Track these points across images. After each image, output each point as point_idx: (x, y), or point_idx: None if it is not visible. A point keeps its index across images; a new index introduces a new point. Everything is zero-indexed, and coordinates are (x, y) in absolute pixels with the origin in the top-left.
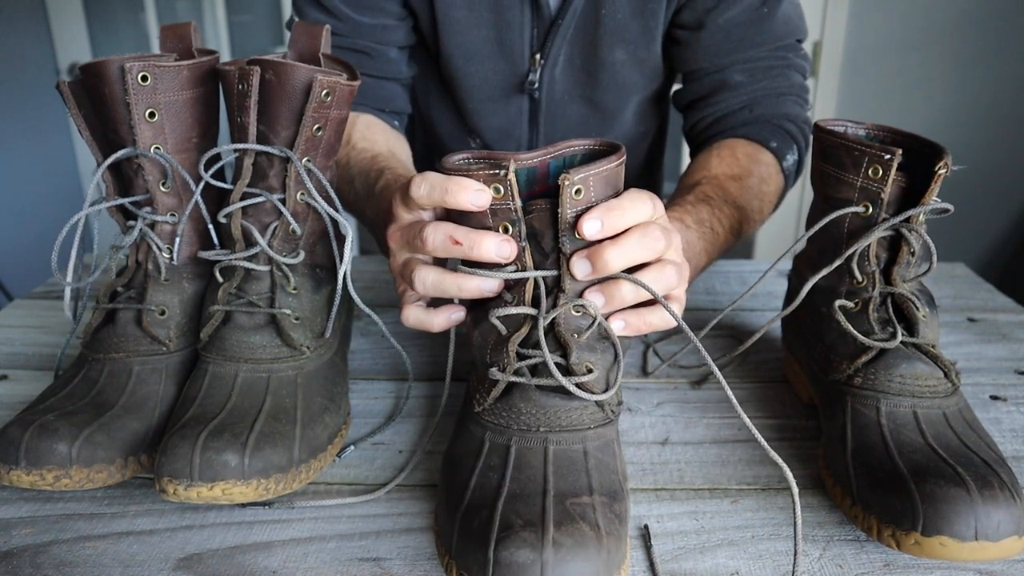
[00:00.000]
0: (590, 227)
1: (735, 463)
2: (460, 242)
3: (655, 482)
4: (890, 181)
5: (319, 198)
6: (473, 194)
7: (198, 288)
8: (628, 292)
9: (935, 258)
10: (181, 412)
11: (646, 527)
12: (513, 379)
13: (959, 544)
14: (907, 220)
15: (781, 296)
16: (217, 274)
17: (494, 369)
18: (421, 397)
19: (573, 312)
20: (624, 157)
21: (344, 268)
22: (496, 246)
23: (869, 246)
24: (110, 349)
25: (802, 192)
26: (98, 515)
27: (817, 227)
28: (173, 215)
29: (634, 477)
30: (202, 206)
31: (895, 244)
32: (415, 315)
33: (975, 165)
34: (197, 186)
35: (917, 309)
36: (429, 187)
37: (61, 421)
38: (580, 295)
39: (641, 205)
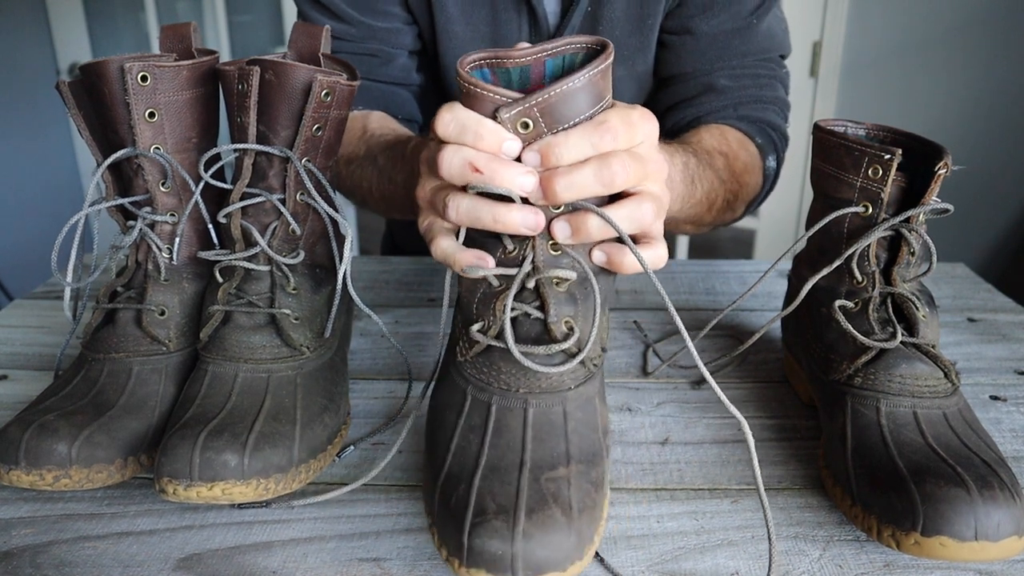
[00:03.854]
0: (529, 158)
1: (735, 463)
2: (480, 170)
3: (655, 482)
4: (890, 181)
5: (319, 198)
6: (506, 144)
7: (198, 288)
8: (594, 226)
9: (935, 258)
10: (181, 412)
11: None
12: (491, 343)
13: (959, 544)
14: (907, 220)
15: (781, 296)
16: (217, 274)
17: (475, 330)
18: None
19: (552, 251)
20: (597, 67)
21: (344, 268)
22: (520, 177)
23: (869, 246)
24: (110, 349)
25: (802, 192)
26: (98, 515)
27: (817, 227)
28: (173, 215)
29: (634, 477)
30: (202, 206)
31: (895, 244)
32: (445, 246)
33: (975, 165)
34: (197, 186)
35: (917, 309)
36: (459, 127)
37: (61, 421)
38: (551, 234)
39: (592, 136)
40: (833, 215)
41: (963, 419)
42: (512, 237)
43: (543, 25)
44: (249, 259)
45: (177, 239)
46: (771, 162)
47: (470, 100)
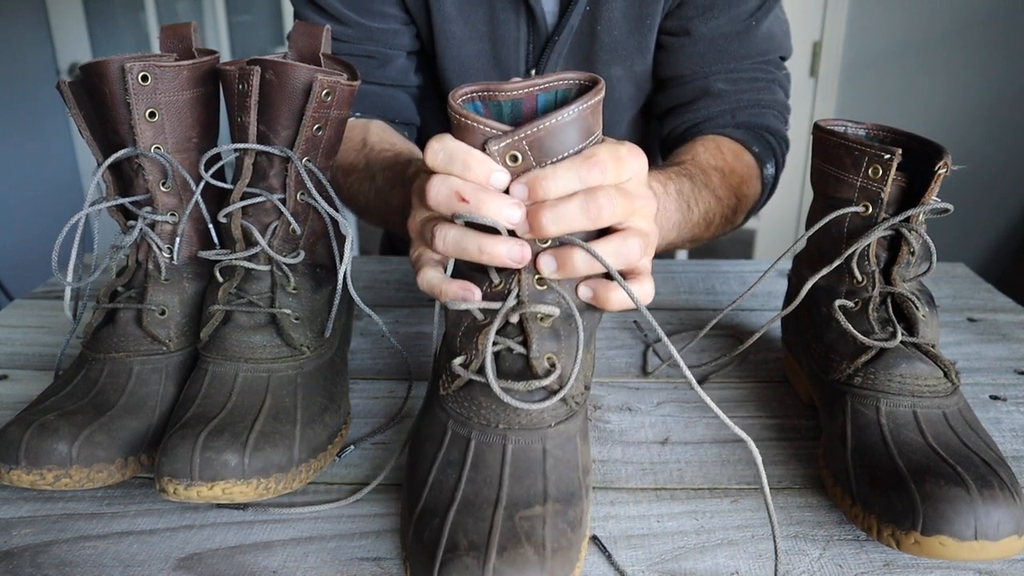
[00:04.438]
0: (516, 191)
1: (735, 463)
2: (467, 199)
3: (655, 482)
4: (890, 181)
5: (319, 198)
6: (494, 175)
7: (198, 288)
8: (580, 260)
9: (935, 258)
10: (181, 412)
11: (595, 537)
12: (473, 377)
13: (959, 543)
14: (907, 220)
15: (781, 296)
16: (217, 274)
17: (457, 363)
18: (421, 397)
19: (537, 286)
20: (587, 102)
21: (344, 268)
22: (507, 209)
23: (869, 246)
24: (110, 349)
25: (802, 192)
26: (98, 515)
27: (817, 227)
28: (173, 215)
29: (634, 477)
30: (202, 206)
31: (895, 244)
32: (430, 276)
33: (975, 165)
34: (197, 186)
35: (917, 309)
36: (448, 158)
37: (61, 421)
38: (537, 267)
39: (580, 170)
40: (833, 215)
41: (963, 419)
42: (498, 270)
43: (541, 25)
44: (249, 259)
45: (177, 239)
46: (769, 169)
47: (460, 132)
